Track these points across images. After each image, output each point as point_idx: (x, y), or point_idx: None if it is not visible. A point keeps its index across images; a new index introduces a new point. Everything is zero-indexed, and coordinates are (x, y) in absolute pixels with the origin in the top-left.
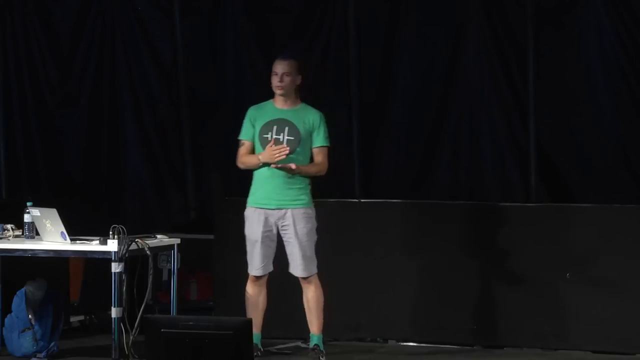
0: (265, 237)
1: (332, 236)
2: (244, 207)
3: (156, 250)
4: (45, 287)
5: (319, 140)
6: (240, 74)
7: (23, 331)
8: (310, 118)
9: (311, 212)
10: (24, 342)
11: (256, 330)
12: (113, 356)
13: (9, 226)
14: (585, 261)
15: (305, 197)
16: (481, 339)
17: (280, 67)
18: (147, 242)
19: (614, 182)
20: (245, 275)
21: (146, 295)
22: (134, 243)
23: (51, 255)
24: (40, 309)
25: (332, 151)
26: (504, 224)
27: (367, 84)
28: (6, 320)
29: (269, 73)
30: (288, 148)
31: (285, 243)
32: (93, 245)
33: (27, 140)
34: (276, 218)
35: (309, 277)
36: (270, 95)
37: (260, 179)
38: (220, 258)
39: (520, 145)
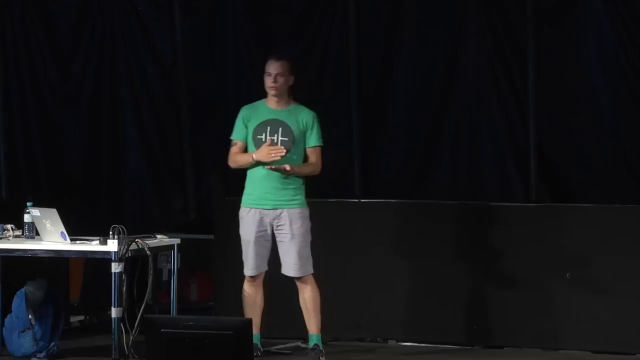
0: (259, 237)
1: (332, 236)
2: None
3: (156, 250)
4: (45, 287)
5: (313, 140)
6: (240, 73)
7: (23, 331)
8: (303, 118)
9: (306, 212)
10: (24, 342)
11: (255, 330)
12: (113, 356)
13: (9, 226)
14: (585, 261)
15: (301, 197)
16: (481, 339)
17: (273, 68)
18: (147, 242)
19: (614, 182)
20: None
21: (146, 296)
22: (134, 243)
23: (51, 255)
24: (40, 309)
25: (329, 151)
26: (504, 224)
27: (367, 84)
28: (6, 320)
29: None
30: (285, 150)
31: (279, 243)
32: (93, 245)
33: (27, 140)
34: (271, 218)
35: (305, 277)
36: None
37: (255, 179)
38: (220, 258)
39: (520, 145)
